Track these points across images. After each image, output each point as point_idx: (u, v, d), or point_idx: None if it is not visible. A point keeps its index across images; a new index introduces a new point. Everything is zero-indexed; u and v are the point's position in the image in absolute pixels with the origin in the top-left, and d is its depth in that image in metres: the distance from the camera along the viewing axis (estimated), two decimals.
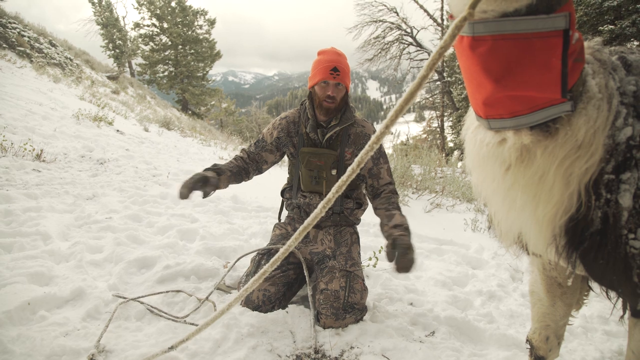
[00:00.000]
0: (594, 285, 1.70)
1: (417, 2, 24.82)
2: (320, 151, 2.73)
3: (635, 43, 15.28)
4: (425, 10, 25.09)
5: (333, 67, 2.59)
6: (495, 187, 1.30)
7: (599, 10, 15.09)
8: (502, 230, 1.49)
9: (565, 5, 1.00)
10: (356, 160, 0.90)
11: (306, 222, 1.00)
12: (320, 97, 2.66)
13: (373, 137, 0.87)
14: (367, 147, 0.88)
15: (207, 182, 2.45)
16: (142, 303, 2.46)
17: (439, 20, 24.82)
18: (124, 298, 2.48)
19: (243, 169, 2.83)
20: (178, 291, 2.67)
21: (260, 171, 2.93)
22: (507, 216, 1.37)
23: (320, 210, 0.97)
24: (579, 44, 1.09)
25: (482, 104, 1.14)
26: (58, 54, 19.09)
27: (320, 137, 2.76)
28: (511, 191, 1.26)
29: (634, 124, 1.18)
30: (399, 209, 2.63)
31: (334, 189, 0.93)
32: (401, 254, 2.17)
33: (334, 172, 2.73)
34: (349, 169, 0.91)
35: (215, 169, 2.61)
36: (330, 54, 2.66)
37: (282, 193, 3.08)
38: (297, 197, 2.91)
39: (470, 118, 1.40)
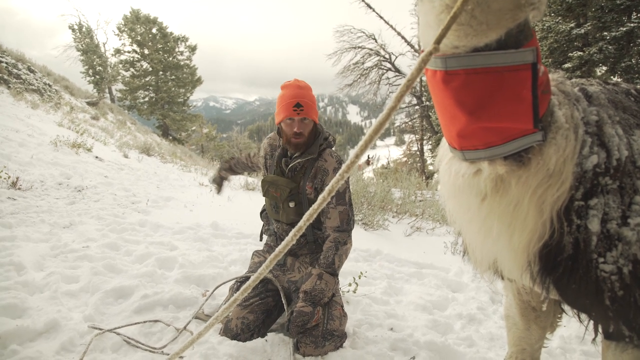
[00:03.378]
0: (567, 307, 1.73)
1: (394, 30, 25.40)
2: (280, 182, 2.73)
3: (604, 68, 15.93)
4: (403, 37, 25.67)
5: (295, 103, 2.58)
6: (471, 216, 1.32)
7: (567, 37, 15.77)
8: (478, 258, 1.51)
9: (531, 41, 1.05)
10: (327, 188, 0.90)
11: (277, 249, 1.01)
12: (287, 134, 2.67)
13: (344, 166, 0.87)
14: (337, 175, 0.89)
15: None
16: (118, 334, 2.41)
17: (417, 47, 25.36)
18: (100, 329, 2.43)
19: (247, 166, 3.26)
20: (156, 321, 2.63)
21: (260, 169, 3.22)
22: (483, 244, 1.39)
23: (291, 238, 0.97)
24: (545, 76, 1.13)
25: (457, 136, 1.17)
26: (37, 79, 18.85)
27: (284, 167, 2.78)
28: (487, 220, 1.28)
29: (598, 152, 1.23)
30: (327, 266, 2.60)
31: (305, 217, 0.94)
32: (292, 321, 2.40)
33: (291, 204, 2.72)
34: (320, 197, 0.91)
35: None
36: (293, 89, 2.64)
37: (261, 214, 3.14)
38: (272, 223, 2.94)
39: (443, 149, 1.43)
